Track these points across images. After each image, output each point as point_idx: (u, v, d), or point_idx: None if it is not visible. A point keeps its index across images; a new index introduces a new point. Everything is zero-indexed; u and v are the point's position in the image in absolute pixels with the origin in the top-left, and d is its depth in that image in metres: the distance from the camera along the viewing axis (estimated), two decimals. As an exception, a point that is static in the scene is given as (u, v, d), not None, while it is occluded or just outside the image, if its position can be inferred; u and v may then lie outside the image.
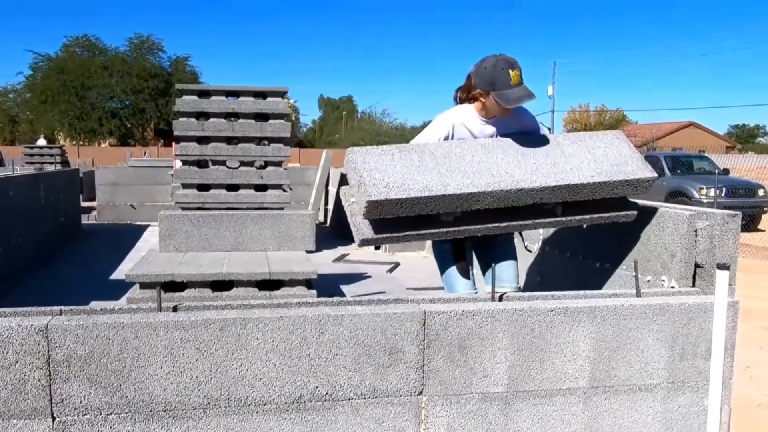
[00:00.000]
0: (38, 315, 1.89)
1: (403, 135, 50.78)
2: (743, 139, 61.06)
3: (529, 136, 2.72)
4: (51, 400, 1.80)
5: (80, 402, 1.81)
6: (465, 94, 2.92)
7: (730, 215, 2.32)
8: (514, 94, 2.73)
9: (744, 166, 18.34)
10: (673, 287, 2.48)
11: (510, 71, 2.74)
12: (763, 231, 12.95)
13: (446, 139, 2.83)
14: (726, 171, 15.30)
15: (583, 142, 2.64)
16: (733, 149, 46.44)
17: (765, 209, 13.75)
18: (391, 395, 2.01)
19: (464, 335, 2.05)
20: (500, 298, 2.19)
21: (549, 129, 3.21)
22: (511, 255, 3.04)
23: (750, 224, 12.96)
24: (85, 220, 10.98)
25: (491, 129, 2.89)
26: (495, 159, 2.48)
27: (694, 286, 2.44)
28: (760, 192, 14.00)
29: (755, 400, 3.95)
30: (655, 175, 2.58)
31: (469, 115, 2.89)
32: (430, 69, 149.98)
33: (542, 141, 2.65)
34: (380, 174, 2.31)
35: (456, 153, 2.47)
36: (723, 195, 13.23)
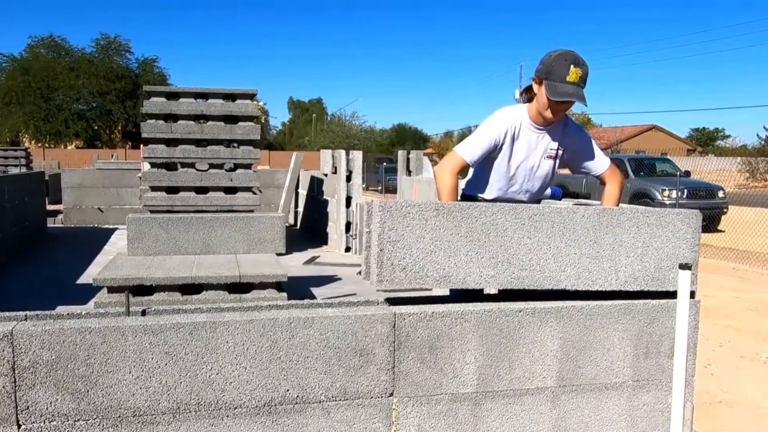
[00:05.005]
0: (3, 320, 1.86)
1: (372, 137, 50.84)
2: (703, 142, 62.35)
3: (591, 207, 2.28)
4: (16, 407, 1.77)
5: (47, 409, 1.79)
6: (527, 92, 2.81)
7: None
8: (563, 89, 2.58)
9: (704, 169, 18.84)
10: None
11: (572, 66, 2.58)
12: (723, 231, 13.29)
13: (495, 146, 2.75)
14: (687, 173, 15.70)
15: (646, 227, 2.22)
16: (694, 152, 47.43)
17: (724, 210, 14.14)
18: (362, 397, 2.02)
19: (434, 336, 2.07)
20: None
21: (612, 158, 3.02)
22: None
23: (710, 225, 13.30)
24: (51, 223, 10.77)
25: (541, 145, 2.79)
26: (538, 241, 2.15)
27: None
28: (720, 194, 14.40)
29: (716, 396, 4.05)
30: (696, 295, 2.29)
31: (522, 120, 2.77)
32: (399, 71, 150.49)
33: (602, 216, 2.20)
34: (402, 251, 2.04)
35: (499, 225, 2.12)
36: (684, 196, 13.59)
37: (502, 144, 2.76)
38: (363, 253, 2.18)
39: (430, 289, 2.24)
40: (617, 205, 2.74)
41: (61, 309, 1.97)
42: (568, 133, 2.83)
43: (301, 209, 11.66)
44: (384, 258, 2.03)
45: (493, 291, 2.27)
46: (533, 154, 2.81)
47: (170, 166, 5.60)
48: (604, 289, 2.22)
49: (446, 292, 2.94)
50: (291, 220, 11.61)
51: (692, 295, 2.24)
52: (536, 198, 3.02)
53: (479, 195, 2.95)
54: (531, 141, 2.79)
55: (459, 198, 3.01)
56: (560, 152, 2.83)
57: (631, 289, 2.24)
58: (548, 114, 2.70)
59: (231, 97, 5.67)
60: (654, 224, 2.23)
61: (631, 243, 2.22)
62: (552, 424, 2.21)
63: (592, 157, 2.89)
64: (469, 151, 2.74)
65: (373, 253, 2.06)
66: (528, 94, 2.82)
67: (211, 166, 5.64)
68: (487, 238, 2.12)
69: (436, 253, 2.07)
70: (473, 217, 2.10)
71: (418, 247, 2.05)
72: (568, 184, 14.25)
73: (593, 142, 2.93)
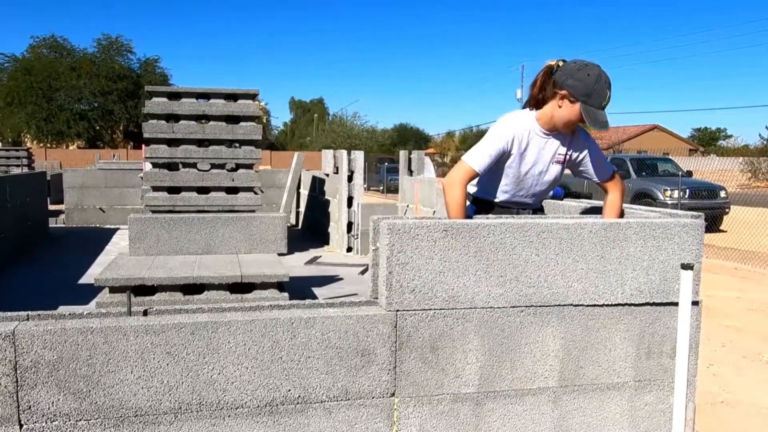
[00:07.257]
0: (5, 320, 1.86)
1: (374, 137, 50.84)
2: (705, 141, 62.15)
3: (599, 221, 2.25)
4: (18, 407, 1.77)
5: (48, 408, 1.79)
6: (537, 92, 2.73)
7: (693, 216, 2.38)
8: (602, 117, 2.58)
9: (706, 169, 18.80)
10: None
11: (608, 91, 2.57)
12: (725, 231, 13.27)
13: (504, 153, 2.73)
14: (689, 173, 15.70)
15: (652, 240, 2.23)
16: (696, 152, 47.23)
17: (726, 210, 14.12)
18: (364, 397, 2.02)
19: (436, 336, 2.07)
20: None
21: (614, 166, 2.98)
22: None
23: (712, 225, 13.28)
24: (52, 223, 10.78)
25: (550, 150, 2.77)
26: (545, 258, 2.15)
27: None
28: (722, 194, 14.38)
29: (718, 396, 4.05)
30: (699, 299, 2.31)
31: (531, 125, 2.74)
32: (400, 71, 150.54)
33: (608, 231, 2.20)
34: (411, 273, 2.04)
35: (507, 243, 2.12)
36: (686, 196, 13.59)
37: (510, 151, 2.75)
38: (370, 270, 2.18)
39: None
40: (620, 216, 2.74)
41: (62, 309, 1.97)
42: (577, 139, 2.83)
43: (302, 209, 11.67)
44: (393, 281, 2.03)
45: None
46: (542, 159, 2.81)
47: (172, 166, 5.60)
48: (609, 303, 2.22)
49: None
50: (292, 220, 11.62)
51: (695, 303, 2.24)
52: (541, 198, 3.02)
53: (488, 198, 2.95)
54: (540, 147, 2.78)
55: (469, 200, 3.01)
56: (568, 157, 2.83)
57: (637, 302, 2.23)
58: (566, 130, 2.72)
59: (233, 97, 5.68)
60: (660, 237, 2.23)
61: (637, 256, 2.22)
62: (554, 424, 2.21)
63: (597, 164, 2.89)
64: (477, 160, 2.72)
65: (382, 275, 2.07)
66: (535, 92, 2.76)
67: (213, 166, 5.64)
68: (495, 256, 2.11)
69: (445, 274, 2.07)
70: (482, 236, 2.10)
71: (427, 269, 2.06)
72: (570, 185, 14.24)
73: (599, 149, 2.92)
